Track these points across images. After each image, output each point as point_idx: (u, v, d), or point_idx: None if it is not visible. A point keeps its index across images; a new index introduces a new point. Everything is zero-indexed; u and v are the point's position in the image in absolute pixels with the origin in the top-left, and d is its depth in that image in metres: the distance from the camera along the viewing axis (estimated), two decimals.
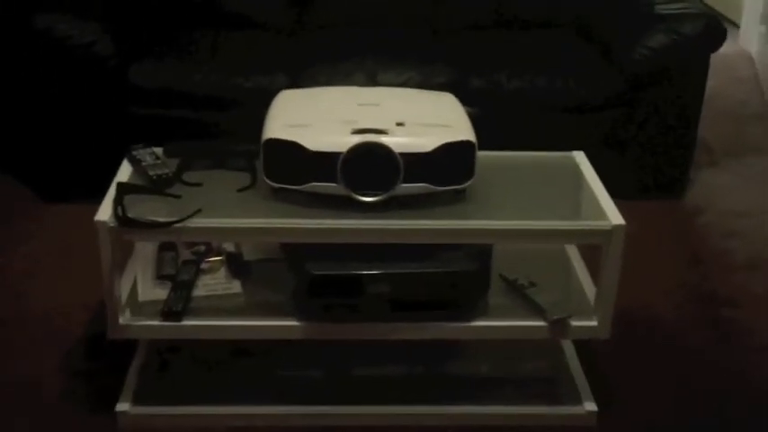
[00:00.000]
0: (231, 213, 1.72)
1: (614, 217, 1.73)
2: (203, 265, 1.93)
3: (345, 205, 1.71)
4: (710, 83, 2.74)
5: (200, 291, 1.87)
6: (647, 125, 2.67)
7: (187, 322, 1.78)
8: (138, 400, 1.88)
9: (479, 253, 1.78)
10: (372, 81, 2.53)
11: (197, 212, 1.70)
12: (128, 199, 1.73)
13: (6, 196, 2.71)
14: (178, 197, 1.75)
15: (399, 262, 1.74)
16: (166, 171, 1.82)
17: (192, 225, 1.68)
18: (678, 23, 2.59)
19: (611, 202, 1.79)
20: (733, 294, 2.37)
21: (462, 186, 1.75)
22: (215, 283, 1.90)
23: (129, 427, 1.85)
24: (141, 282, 1.89)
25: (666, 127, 2.68)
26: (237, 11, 2.86)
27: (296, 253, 1.78)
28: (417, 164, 1.69)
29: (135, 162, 1.87)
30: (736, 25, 4.47)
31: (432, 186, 1.72)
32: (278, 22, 2.88)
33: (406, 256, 1.75)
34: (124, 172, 1.86)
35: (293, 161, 1.70)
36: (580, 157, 1.99)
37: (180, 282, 1.86)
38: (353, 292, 1.74)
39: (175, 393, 1.91)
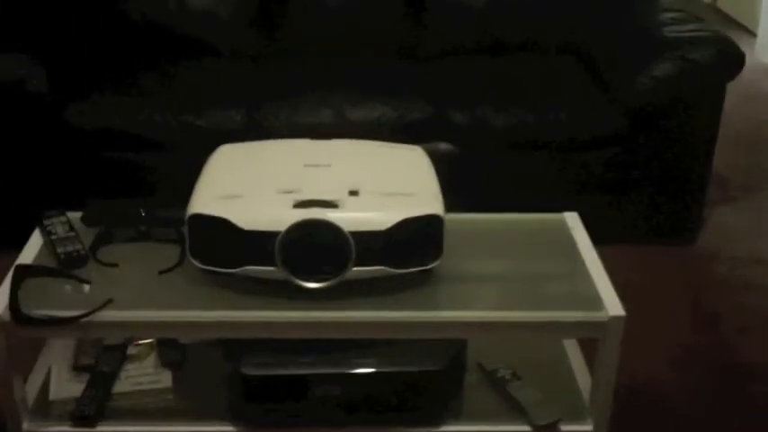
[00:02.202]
0: (149, 302, 1.44)
1: (612, 306, 1.43)
2: (130, 350, 1.65)
3: (288, 291, 1.43)
4: None
5: (122, 384, 1.58)
6: (653, 163, 2.36)
7: (102, 428, 1.50)
8: None
9: (450, 347, 1.49)
10: (340, 118, 2.23)
11: (107, 303, 1.42)
12: (32, 283, 1.45)
13: None
14: (87, 282, 1.47)
15: (352, 359, 1.46)
16: (78, 248, 1.53)
17: (100, 320, 1.40)
18: (687, 50, 2.27)
19: (608, 283, 1.49)
20: (755, 364, 2.05)
21: (428, 267, 1.46)
22: (141, 374, 1.61)
23: None
24: (56, 373, 1.61)
25: (674, 165, 2.37)
26: (193, 35, 2.54)
27: (230, 347, 1.50)
28: (372, 243, 1.40)
29: (46, 233, 1.60)
30: (753, 34, 4.15)
31: (390, 269, 1.43)
32: (239, 50, 2.56)
33: (361, 352, 1.46)
34: (33, 246, 1.58)
35: (224, 240, 1.41)
36: (573, 219, 1.69)
37: (98, 374, 1.58)
38: (298, 394, 1.46)
39: None
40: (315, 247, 1.39)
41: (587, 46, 2.57)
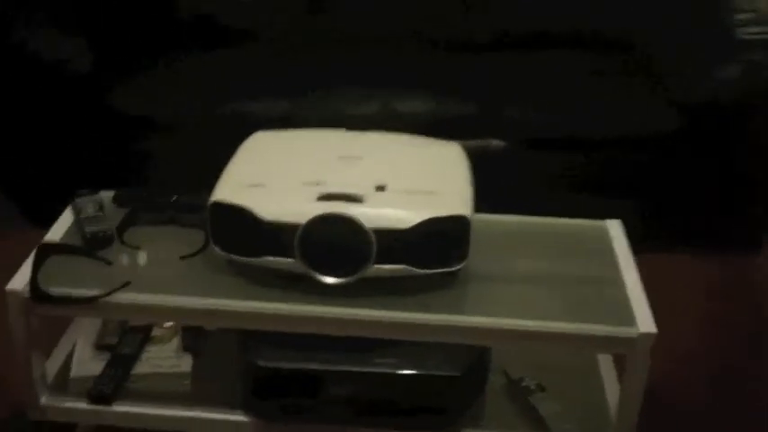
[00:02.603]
0: (168, 287, 1.42)
1: (643, 322, 1.36)
2: (154, 332, 1.65)
3: (307, 285, 1.39)
4: None
5: (142, 366, 1.58)
6: (712, 167, 2.26)
7: (118, 408, 1.49)
8: None
9: (472, 352, 1.43)
10: (387, 111, 2.18)
11: (125, 285, 1.41)
12: (57, 261, 1.46)
13: None
14: (108, 263, 1.47)
15: (368, 357, 1.41)
16: (105, 228, 1.53)
17: (116, 301, 1.39)
18: (752, 52, 2.18)
19: (643, 297, 1.41)
20: None
21: (453, 269, 1.41)
22: (162, 357, 1.60)
23: None
24: (79, 351, 1.61)
25: (735, 170, 2.27)
26: (235, 25, 2.51)
27: (247, 336, 1.47)
28: (394, 242, 1.35)
29: (76, 211, 1.60)
30: None
31: (413, 269, 1.38)
32: (283, 38, 2.52)
33: (378, 350, 1.42)
34: (62, 224, 1.58)
35: (244, 230, 1.39)
36: (615, 228, 1.61)
37: (119, 355, 1.57)
38: (309, 390, 1.42)
39: None
40: (335, 242, 1.36)
41: (643, 43, 2.45)
